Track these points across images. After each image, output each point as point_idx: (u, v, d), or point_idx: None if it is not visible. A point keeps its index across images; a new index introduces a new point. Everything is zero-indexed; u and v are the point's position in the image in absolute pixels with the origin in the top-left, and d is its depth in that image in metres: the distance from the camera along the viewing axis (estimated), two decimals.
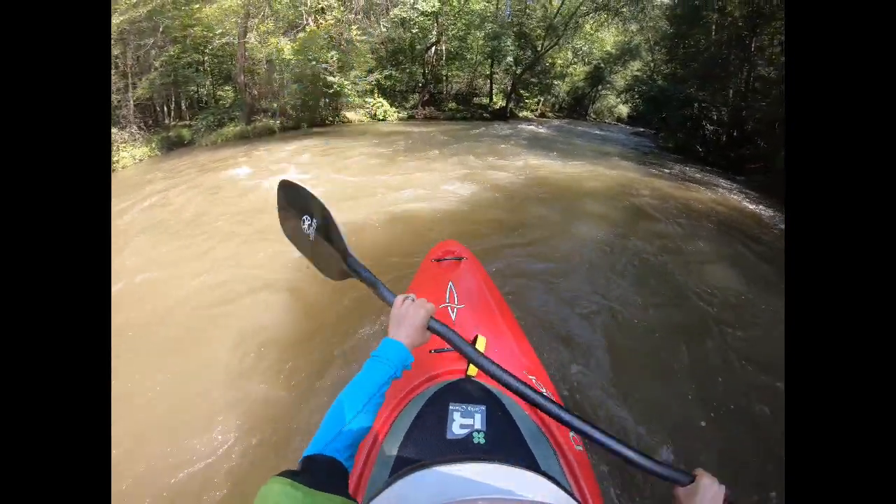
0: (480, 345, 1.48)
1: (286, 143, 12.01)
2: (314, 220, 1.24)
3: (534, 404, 0.86)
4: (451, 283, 1.88)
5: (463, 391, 1.33)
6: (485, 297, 1.89)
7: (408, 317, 0.98)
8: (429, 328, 0.99)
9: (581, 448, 1.31)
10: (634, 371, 2.84)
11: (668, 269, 4.40)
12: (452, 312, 1.74)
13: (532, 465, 1.03)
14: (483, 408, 1.25)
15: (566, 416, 0.83)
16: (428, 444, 1.17)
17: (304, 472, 0.68)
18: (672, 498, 0.83)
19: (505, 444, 1.17)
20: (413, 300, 1.01)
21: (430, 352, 1.51)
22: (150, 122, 13.70)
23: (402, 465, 1.07)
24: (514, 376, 0.91)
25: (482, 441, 1.16)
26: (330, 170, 8.53)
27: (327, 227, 1.20)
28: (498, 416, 1.23)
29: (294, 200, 1.30)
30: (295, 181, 1.29)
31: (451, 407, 1.26)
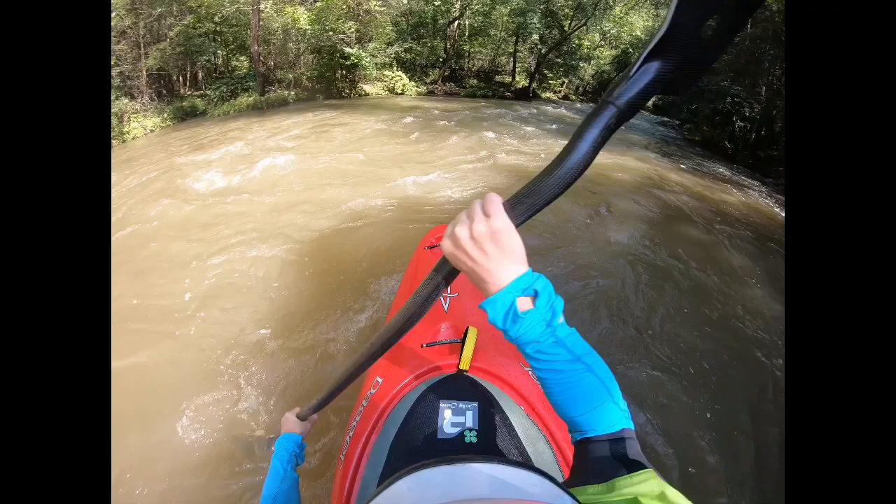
0: (472, 336, 1.38)
1: (298, 115, 11.81)
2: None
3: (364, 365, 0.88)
4: None
5: (455, 387, 1.29)
6: None
7: (284, 424, 1.22)
8: (303, 418, 1.21)
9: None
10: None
11: (705, 286, 4.11)
12: (445, 302, 1.67)
13: (527, 463, 1.00)
14: (475, 405, 1.22)
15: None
16: (419, 444, 1.16)
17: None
18: None
19: (497, 443, 1.15)
20: (284, 417, 1.25)
21: (423, 346, 1.48)
22: (165, 91, 13.67)
23: (394, 466, 1.11)
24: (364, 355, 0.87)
25: (473, 440, 1.14)
26: (337, 145, 8.29)
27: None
28: (490, 413, 1.21)
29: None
30: None
31: (441, 404, 1.23)
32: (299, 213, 4.98)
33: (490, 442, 1.16)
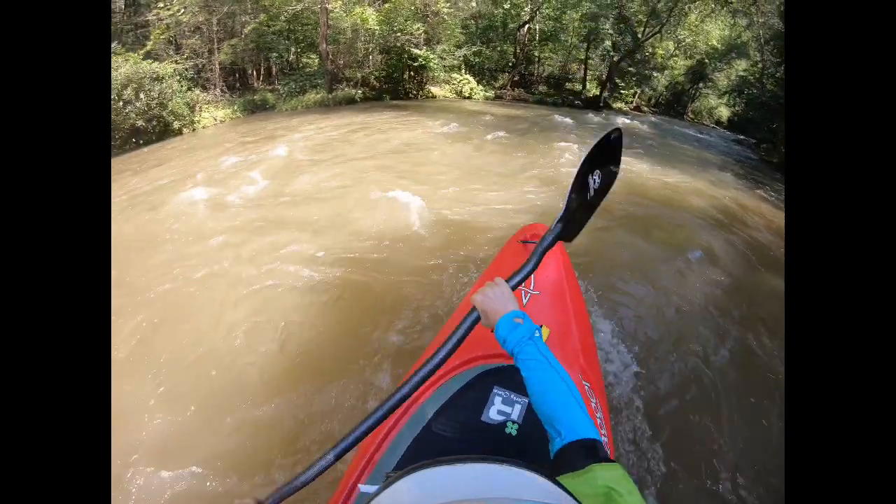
0: (543, 335, 1.17)
1: (362, 114, 11.39)
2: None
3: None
4: None
5: (512, 378, 1.31)
6: (561, 288, 1.82)
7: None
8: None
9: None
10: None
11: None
12: (525, 297, 1.71)
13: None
14: (525, 401, 1.23)
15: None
16: (462, 420, 1.20)
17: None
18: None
19: (534, 440, 1.15)
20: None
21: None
22: (239, 85, 14.00)
23: (433, 430, 1.18)
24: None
25: (513, 433, 1.16)
26: (397, 146, 7.55)
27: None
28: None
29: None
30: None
31: (495, 390, 1.27)
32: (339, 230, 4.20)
33: (528, 438, 1.17)
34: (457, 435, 1.07)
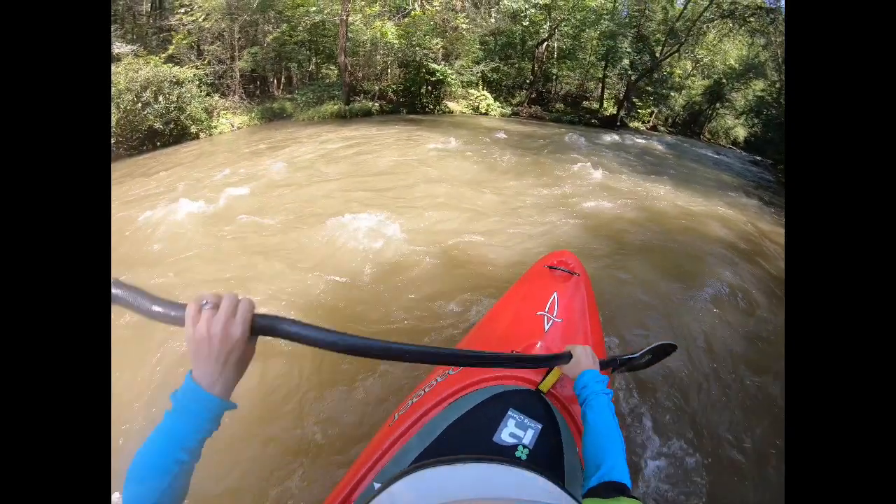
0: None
1: (375, 127, 11.26)
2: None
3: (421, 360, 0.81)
4: (555, 294, 1.85)
5: (528, 402, 1.31)
6: (584, 319, 1.83)
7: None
8: (255, 331, 0.66)
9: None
10: None
11: None
12: (547, 323, 1.70)
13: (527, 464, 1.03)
14: (539, 426, 1.24)
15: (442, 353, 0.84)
16: (472, 438, 1.20)
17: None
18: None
19: (544, 468, 1.01)
20: (210, 305, 0.64)
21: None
22: (259, 92, 14.06)
23: (442, 445, 1.17)
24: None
25: (523, 457, 1.16)
26: (410, 161, 7.20)
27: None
28: (548, 439, 1.22)
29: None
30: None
31: (510, 412, 1.26)
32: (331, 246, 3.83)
33: (537, 464, 1.10)
34: (468, 451, 1.04)
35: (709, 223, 5.82)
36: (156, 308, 0.67)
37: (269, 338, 0.68)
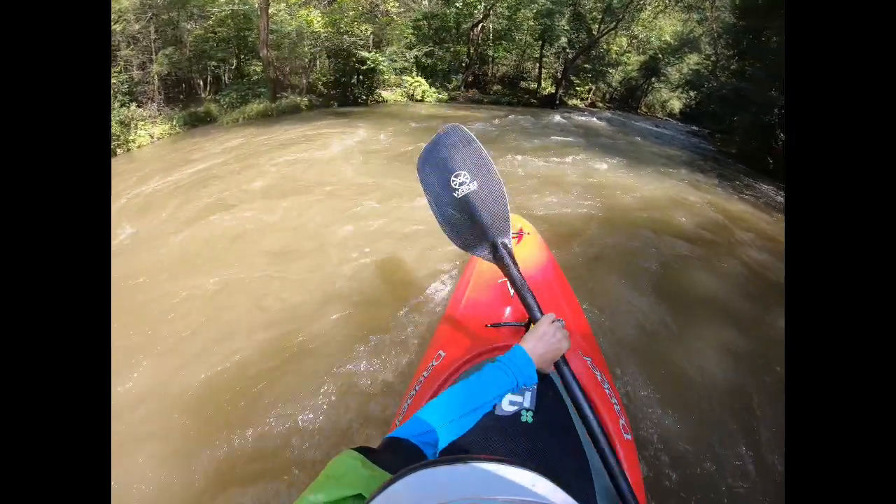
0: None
1: (302, 125, 10.97)
2: (473, 181, 1.23)
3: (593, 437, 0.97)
4: None
5: None
6: (545, 275, 1.89)
7: (551, 340, 0.97)
8: (556, 365, 1.01)
9: (630, 437, 1.32)
10: None
11: None
12: (511, 289, 1.64)
13: (577, 449, 1.14)
14: (534, 386, 1.25)
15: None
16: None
17: (383, 451, 0.71)
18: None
19: (551, 424, 1.19)
20: (562, 326, 1.01)
21: (487, 326, 1.54)
22: (183, 97, 13.29)
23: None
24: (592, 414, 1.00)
25: (529, 420, 1.17)
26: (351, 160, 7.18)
27: (491, 194, 1.23)
28: (548, 396, 1.24)
29: (456, 151, 1.26)
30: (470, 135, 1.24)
31: None
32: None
33: (545, 422, 1.18)
34: (474, 433, 1.03)
35: (672, 212, 5.68)
36: (530, 299, 1.12)
37: None
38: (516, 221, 2.28)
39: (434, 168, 1.27)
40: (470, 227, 1.21)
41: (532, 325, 1.19)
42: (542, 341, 0.96)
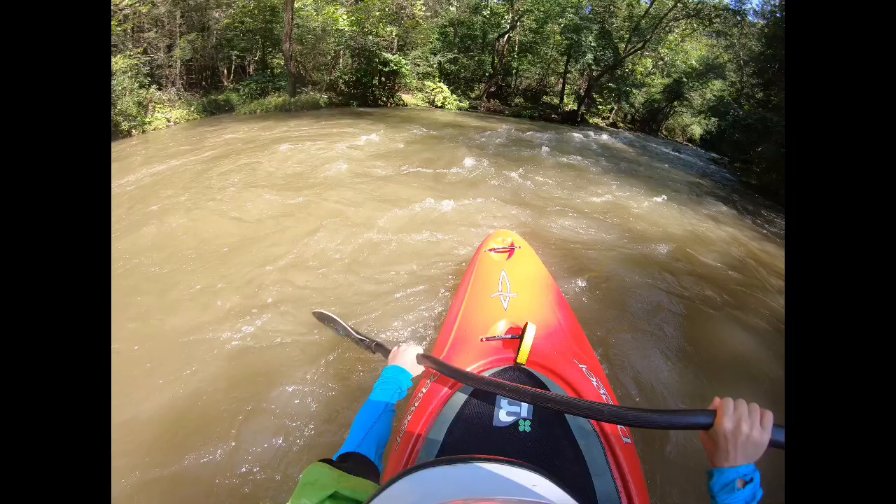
0: (530, 333, 1.40)
1: (319, 122, 10.81)
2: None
3: (556, 408, 0.98)
4: (503, 272, 1.95)
5: (511, 378, 1.36)
6: (538, 286, 1.93)
7: (401, 355, 1.24)
8: (419, 362, 1.25)
9: (629, 441, 1.28)
10: None
11: None
12: (504, 301, 1.77)
13: (577, 456, 1.14)
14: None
15: (591, 408, 0.94)
16: (475, 431, 1.21)
17: (340, 462, 0.87)
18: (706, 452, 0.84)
19: (549, 433, 1.18)
20: (402, 346, 1.28)
21: (481, 339, 1.56)
22: (206, 83, 13.39)
23: (449, 451, 1.17)
24: (523, 390, 1.03)
25: (527, 429, 1.18)
26: (360, 165, 6.84)
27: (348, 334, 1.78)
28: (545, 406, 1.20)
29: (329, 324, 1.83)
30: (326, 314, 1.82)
31: (498, 395, 1.27)
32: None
33: (543, 432, 1.18)
34: (471, 444, 1.08)
35: (694, 248, 5.20)
36: (377, 347, 1.51)
37: None
38: (507, 236, 2.38)
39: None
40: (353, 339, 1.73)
41: (525, 334, 1.39)
42: (396, 358, 1.25)
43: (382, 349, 1.41)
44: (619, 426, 1.28)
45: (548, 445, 1.17)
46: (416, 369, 1.25)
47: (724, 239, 5.96)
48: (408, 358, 1.23)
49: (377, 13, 14.06)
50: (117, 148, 8.78)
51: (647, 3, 18.92)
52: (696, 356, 3.12)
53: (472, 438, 1.20)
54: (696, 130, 24.96)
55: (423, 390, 1.43)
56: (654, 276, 4.18)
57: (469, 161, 7.58)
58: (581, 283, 3.66)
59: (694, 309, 3.79)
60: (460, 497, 0.58)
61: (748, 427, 0.75)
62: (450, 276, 3.49)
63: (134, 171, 6.33)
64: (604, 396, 1.40)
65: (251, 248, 3.90)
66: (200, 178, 5.96)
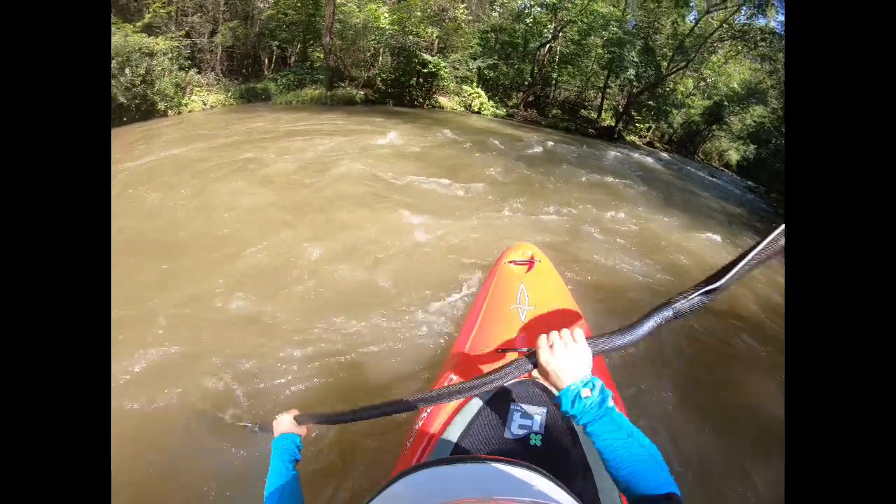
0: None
1: (359, 116, 10.77)
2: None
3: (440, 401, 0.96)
4: (522, 285, 1.93)
5: (526, 392, 1.34)
6: (556, 301, 1.92)
7: (281, 425, 1.24)
8: (300, 423, 1.25)
9: None
10: None
11: None
12: (522, 314, 1.76)
13: (586, 473, 1.14)
14: (544, 411, 1.27)
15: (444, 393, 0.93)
16: (486, 440, 1.21)
17: None
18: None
19: (560, 448, 1.19)
20: (279, 418, 1.28)
21: (498, 350, 1.58)
22: (247, 71, 13.47)
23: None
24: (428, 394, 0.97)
25: (538, 443, 1.18)
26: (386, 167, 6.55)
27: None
28: (557, 420, 1.24)
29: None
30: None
31: (512, 407, 1.29)
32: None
33: (553, 446, 1.18)
34: (483, 454, 1.07)
35: (733, 287, 4.55)
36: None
37: None
38: (527, 249, 2.37)
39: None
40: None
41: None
42: (275, 431, 1.28)
43: (265, 429, 1.40)
44: None
45: (557, 460, 1.17)
46: (301, 430, 1.26)
47: (763, 278, 5.26)
48: (287, 424, 1.25)
49: (419, 13, 13.86)
50: (148, 126, 8.72)
51: (691, 21, 18.57)
52: (723, 415, 2.78)
53: (482, 447, 1.20)
54: (734, 156, 24.30)
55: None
56: (706, 330, 3.75)
57: (499, 169, 7.41)
58: (599, 305, 3.53)
59: (732, 351, 3.54)
60: (462, 497, 0.57)
61: (563, 347, 0.82)
62: (460, 285, 3.44)
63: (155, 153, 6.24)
64: None
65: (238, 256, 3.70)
66: (195, 165, 5.79)
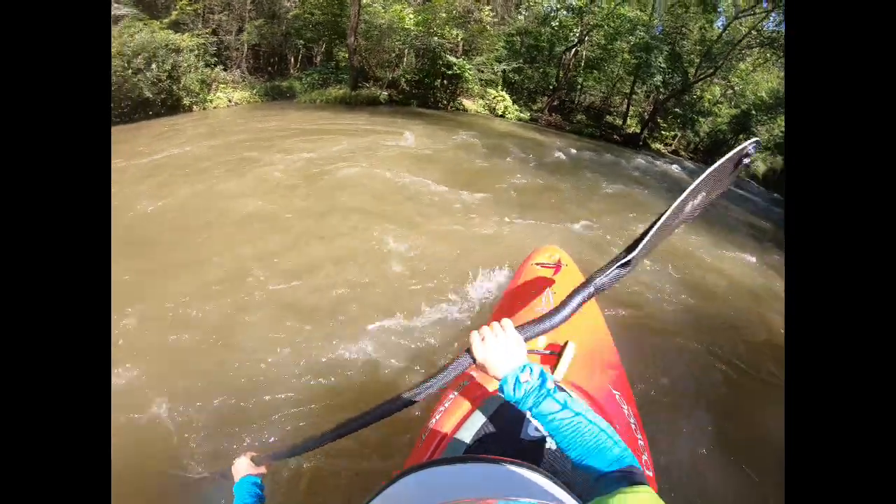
0: (569, 351, 1.39)
1: (383, 116, 10.64)
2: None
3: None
4: (548, 289, 1.91)
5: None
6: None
7: (239, 468, 1.21)
8: (258, 463, 1.21)
9: (651, 474, 1.30)
10: None
11: None
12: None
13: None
14: None
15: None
16: (502, 440, 1.20)
17: None
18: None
19: None
20: (236, 462, 1.24)
21: None
22: (273, 69, 13.60)
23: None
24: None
25: (554, 446, 1.16)
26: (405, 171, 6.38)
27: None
28: None
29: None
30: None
31: None
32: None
33: None
34: (498, 455, 0.95)
35: (761, 309, 4.40)
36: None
37: None
38: (554, 253, 2.33)
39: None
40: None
41: (564, 351, 1.37)
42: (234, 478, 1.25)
43: (226, 476, 1.35)
44: (642, 457, 1.30)
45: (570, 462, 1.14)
46: (260, 469, 1.22)
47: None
48: (245, 466, 1.21)
49: (444, 15, 13.72)
50: (173, 120, 8.66)
51: (719, 27, 18.19)
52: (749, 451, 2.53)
53: (497, 448, 1.16)
54: (760, 167, 23.79)
55: (454, 394, 1.41)
56: (714, 341, 3.57)
57: (520, 175, 7.33)
58: (624, 320, 3.48)
59: (762, 385, 3.28)
60: (462, 497, 0.56)
61: (494, 338, 0.83)
62: (492, 289, 3.43)
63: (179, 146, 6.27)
64: (632, 426, 1.38)
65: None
66: (195, 164, 5.77)
